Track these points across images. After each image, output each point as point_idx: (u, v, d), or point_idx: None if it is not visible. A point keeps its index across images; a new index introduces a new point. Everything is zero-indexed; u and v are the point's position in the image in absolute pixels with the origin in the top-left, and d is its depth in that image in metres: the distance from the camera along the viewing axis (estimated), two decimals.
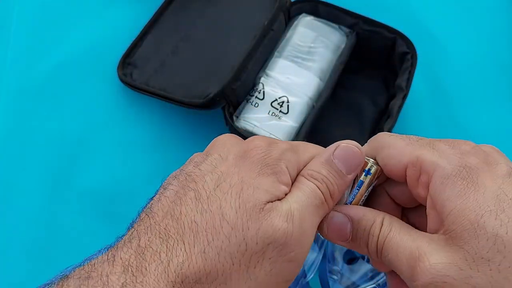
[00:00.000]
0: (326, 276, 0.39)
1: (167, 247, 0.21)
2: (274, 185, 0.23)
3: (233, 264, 0.21)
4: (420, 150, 0.24)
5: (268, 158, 0.24)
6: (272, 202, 0.23)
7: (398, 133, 0.27)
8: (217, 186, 0.23)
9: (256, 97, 0.48)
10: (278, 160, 0.24)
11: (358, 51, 0.52)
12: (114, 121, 0.52)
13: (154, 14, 0.56)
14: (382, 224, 0.24)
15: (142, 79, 0.52)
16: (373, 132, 0.49)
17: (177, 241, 0.21)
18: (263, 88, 0.48)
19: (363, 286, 0.38)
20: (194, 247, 0.21)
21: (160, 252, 0.21)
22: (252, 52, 0.47)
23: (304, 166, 0.25)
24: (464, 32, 0.57)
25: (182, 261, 0.21)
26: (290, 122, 0.46)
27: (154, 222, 0.22)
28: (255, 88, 0.48)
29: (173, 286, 0.20)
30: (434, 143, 0.25)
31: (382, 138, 0.27)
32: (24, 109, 0.53)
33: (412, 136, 0.26)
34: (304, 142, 0.28)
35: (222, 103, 0.46)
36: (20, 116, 0.52)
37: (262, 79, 0.48)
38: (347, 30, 0.52)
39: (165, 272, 0.21)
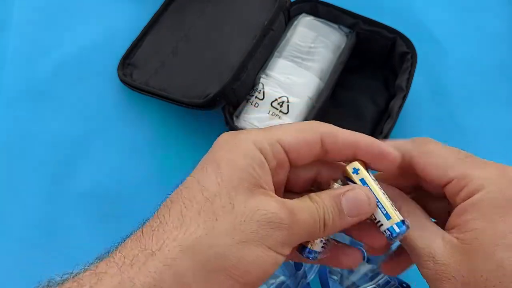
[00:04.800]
0: (326, 276, 0.39)
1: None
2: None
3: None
4: (471, 169, 0.26)
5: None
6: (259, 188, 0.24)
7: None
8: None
9: (256, 97, 0.48)
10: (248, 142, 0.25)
11: (358, 51, 0.52)
12: (114, 121, 0.52)
13: (154, 14, 0.56)
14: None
15: (142, 79, 0.52)
16: (373, 132, 0.49)
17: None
18: (263, 88, 0.48)
19: (363, 286, 0.38)
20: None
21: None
22: (252, 52, 0.47)
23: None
24: (464, 32, 0.57)
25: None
26: (290, 122, 0.46)
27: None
28: (255, 88, 0.48)
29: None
30: (486, 164, 0.26)
31: (429, 144, 0.27)
32: (24, 109, 0.53)
33: (456, 149, 0.27)
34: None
35: (222, 103, 0.46)
36: (20, 116, 0.52)
37: (262, 79, 0.48)
38: (347, 30, 0.52)
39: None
